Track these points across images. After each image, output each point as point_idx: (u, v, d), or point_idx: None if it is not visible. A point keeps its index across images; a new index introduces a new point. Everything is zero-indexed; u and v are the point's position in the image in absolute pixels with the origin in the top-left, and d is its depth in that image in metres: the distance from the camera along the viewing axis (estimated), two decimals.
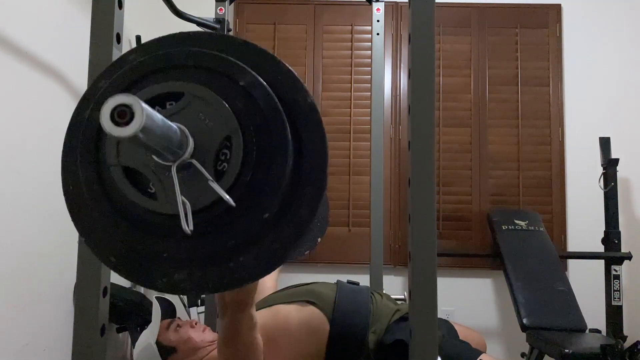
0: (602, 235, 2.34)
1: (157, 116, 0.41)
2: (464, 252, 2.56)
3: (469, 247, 2.63)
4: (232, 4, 2.13)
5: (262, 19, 2.78)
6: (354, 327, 1.28)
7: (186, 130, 0.48)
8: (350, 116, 2.71)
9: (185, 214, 0.47)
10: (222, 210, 0.48)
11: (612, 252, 2.28)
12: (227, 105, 0.49)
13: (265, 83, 0.50)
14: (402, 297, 1.65)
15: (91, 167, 0.52)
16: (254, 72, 0.51)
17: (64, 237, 1.66)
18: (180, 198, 0.47)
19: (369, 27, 2.70)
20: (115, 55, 0.81)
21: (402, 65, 2.76)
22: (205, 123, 0.49)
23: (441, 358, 0.72)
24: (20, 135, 1.47)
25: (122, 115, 0.37)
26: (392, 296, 1.56)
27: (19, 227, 1.46)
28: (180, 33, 0.55)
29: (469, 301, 2.62)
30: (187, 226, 0.47)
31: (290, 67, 0.53)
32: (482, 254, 2.55)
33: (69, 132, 0.55)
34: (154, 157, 0.48)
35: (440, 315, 1.28)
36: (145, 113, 0.38)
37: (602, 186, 2.37)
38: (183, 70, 0.52)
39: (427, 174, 0.70)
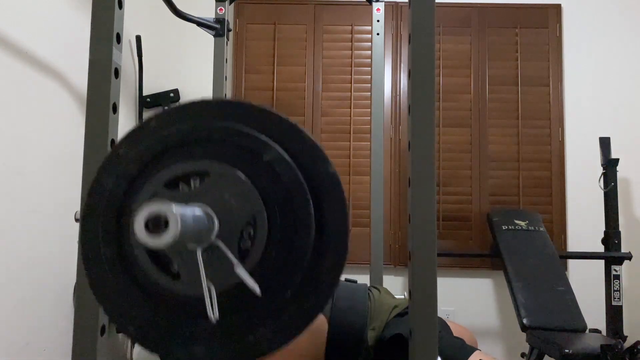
0: (602, 235, 2.34)
1: (189, 216, 0.42)
2: (464, 252, 2.56)
3: (469, 247, 2.63)
4: (232, 4, 2.13)
5: (262, 19, 2.78)
6: (352, 326, 1.28)
7: (213, 214, 0.48)
8: (350, 116, 2.71)
9: (211, 300, 0.47)
10: (245, 290, 0.49)
11: (612, 252, 2.28)
12: (252, 185, 0.49)
13: (289, 159, 0.51)
14: (402, 297, 1.65)
15: (113, 243, 0.52)
16: (278, 147, 0.51)
17: (64, 237, 1.66)
18: (205, 284, 0.47)
19: (369, 27, 2.70)
20: (116, 55, 0.81)
21: (402, 65, 2.76)
22: (230, 203, 0.49)
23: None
24: (20, 136, 1.47)
25: (157, 223, 0.38)
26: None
27: (19, 228, 1.46)
28: (202, 101, 0.55)
29: (469, 301, 2.62)
30: (213, 314, 0.47)
31: (312, 137, 0.53)
32: (482, 254, 2.55)
33: (89, 199, 0.55)
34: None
35: (440, 315, 1.28)
36: (180, 221, 0.38)
37: (602, 186, 2.37)
38: (207, 145, 0.52)
39: (427, 174, 0.70)
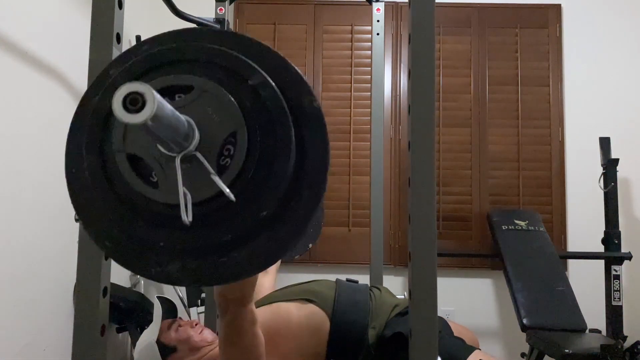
0: (602, 235, 2.34)
1: (167, 106, 0.42)
2: (464, 252, 2.56)
3: (469, 247, 2.63)
4: (232, 4, 2.13)
5: (262, 19, 2.78)
6: (354, 325, 1.29)
7: (193, 123, 0.48)
8: (350, 116, 2.71)
9: (186, 205, 0.47)
10: (221, 205, 0.49)
11: (612, 252, 2.28)
12: (235, 102, 0.50)
13: (274, 84, 0.51)
14: (402, 297, 1.66)
15: (96, 152, 0.52)
16: (264, 73, 0.51)
17: (64, 237, 1.66)
18: (182, 189, 0.47)
19: (369, 27, 2.70)
20: (116, 55, 0.81)
21: (402, 65, 2.75)
22: (212, 117, 0.49)
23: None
24: (20, 135, 1.47)
25: (134, 103, 0.38)
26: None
27: (19, 227, 1.46)
28: (194, 28, 0.56)
29: (469, 301, 2.62)
30: (187, 217, 0.47)
31: (299, 70, 0.54)
32: (482, 254, 2.55)
33: (77, 115, 0.56)
34: (159, 146, 0.48)
35: (440, 315, 1.29)
36: (157, 102, 0.39)
37: (602, 186, 2.37)
38: (194, 65, 0.52)
39: (427, 174, 0.70)
